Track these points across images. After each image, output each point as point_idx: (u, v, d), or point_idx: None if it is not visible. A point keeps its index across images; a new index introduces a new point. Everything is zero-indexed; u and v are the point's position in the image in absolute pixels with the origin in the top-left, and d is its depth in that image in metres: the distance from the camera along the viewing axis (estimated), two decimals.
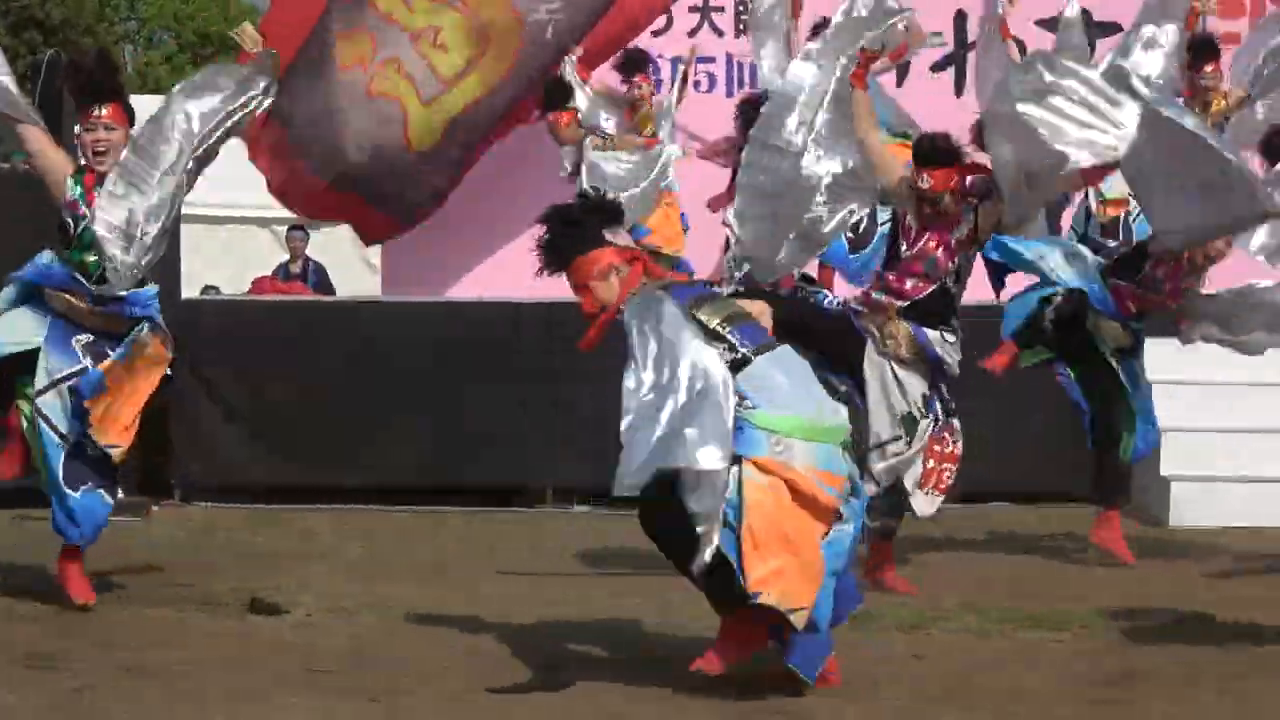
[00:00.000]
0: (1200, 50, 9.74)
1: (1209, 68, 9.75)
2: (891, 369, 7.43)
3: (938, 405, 7.55)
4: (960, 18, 13.15)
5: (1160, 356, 9.11)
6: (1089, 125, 6.29)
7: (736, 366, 5.55)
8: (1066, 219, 11.35)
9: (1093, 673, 6.27)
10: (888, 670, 6.25)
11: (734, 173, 8.51)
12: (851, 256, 10.66)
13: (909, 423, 7.52)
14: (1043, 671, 6.30)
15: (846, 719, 5.57)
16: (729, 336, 5.73)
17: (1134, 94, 6.36)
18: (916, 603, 7.53)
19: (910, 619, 7.18)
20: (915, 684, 6.04)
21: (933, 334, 7.52)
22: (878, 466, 7.40)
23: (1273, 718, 5.74)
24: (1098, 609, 7.32)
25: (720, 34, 13.41)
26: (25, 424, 6.75)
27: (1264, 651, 6.69)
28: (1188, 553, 8.95)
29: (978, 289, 8.36)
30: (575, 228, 5.87)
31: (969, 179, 7.33)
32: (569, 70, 10.98)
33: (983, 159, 7.27)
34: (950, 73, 13.33)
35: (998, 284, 8.31)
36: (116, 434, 6.76)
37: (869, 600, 7.39)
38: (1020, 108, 6.34)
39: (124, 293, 6.72)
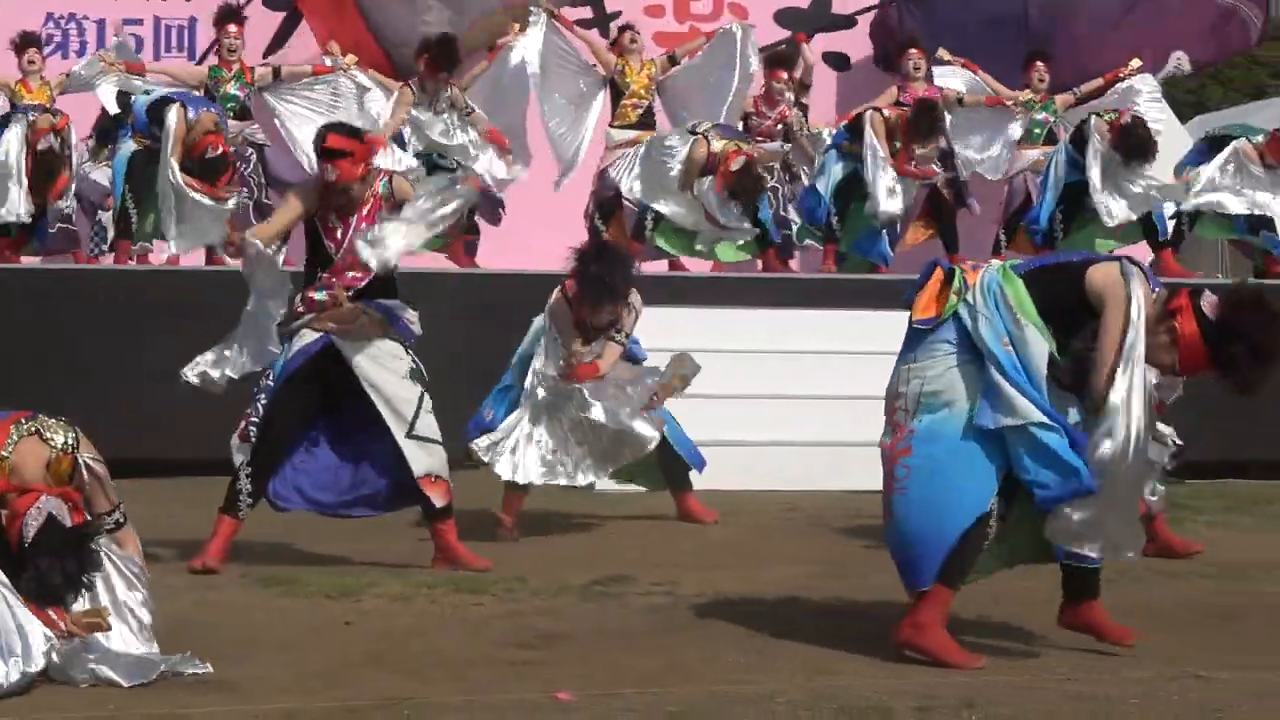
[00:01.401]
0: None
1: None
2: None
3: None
4: None
5: (660, 326, 9.46)
6: None
7: None
8: None
9: (511, 635, 6.44)
10: (317, 635, 6.35)
11: None
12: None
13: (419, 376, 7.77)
14: (463, 635, 6.47)
15: (271, 679, 5.65)
16: None
17: None
18: (345, 570, 7.63)
19: (339, 586, 7.28)
20: (343, 648, 6.14)
21: (391, 303, 7.69)
22: None
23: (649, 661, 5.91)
24: (517, 574, 7.55)
25: None
26: None
27: (685, 606, 7.00)
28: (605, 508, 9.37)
29: None
30: None
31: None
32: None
33: None
34: None
35: None
36: None
37: (299, 567, 7.51)
38: None
39: None
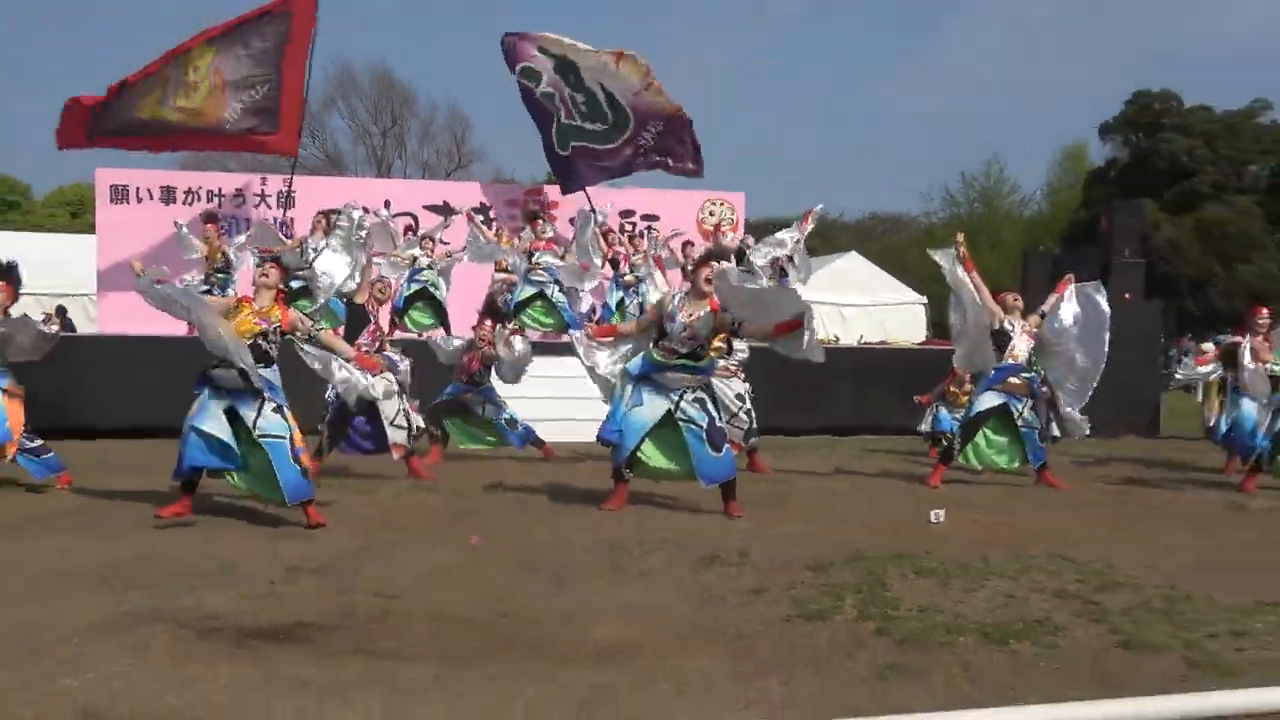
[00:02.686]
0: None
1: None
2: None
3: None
4: None
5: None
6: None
7: None
8: None
9: (447, 511, 8.42)
10: (348, 513, 8.29)
11: None
12: None
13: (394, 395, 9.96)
14: (421, 512, 8.44)
15: (321, 535, 7.41)
16: None
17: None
18: (360, 482, 9.64)
19: (360, 489, 9.39)
20: (363, 520, 7.94)
21: (394, 355, 10.15)
22: None
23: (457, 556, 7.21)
24: (452, 486, 9.57)
25: None
26: None
27: (536, 497, 9.16)
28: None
29: None
30: None
31: None
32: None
33: None
34: None
35: None
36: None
37: (336, 478, 9.56)
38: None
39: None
